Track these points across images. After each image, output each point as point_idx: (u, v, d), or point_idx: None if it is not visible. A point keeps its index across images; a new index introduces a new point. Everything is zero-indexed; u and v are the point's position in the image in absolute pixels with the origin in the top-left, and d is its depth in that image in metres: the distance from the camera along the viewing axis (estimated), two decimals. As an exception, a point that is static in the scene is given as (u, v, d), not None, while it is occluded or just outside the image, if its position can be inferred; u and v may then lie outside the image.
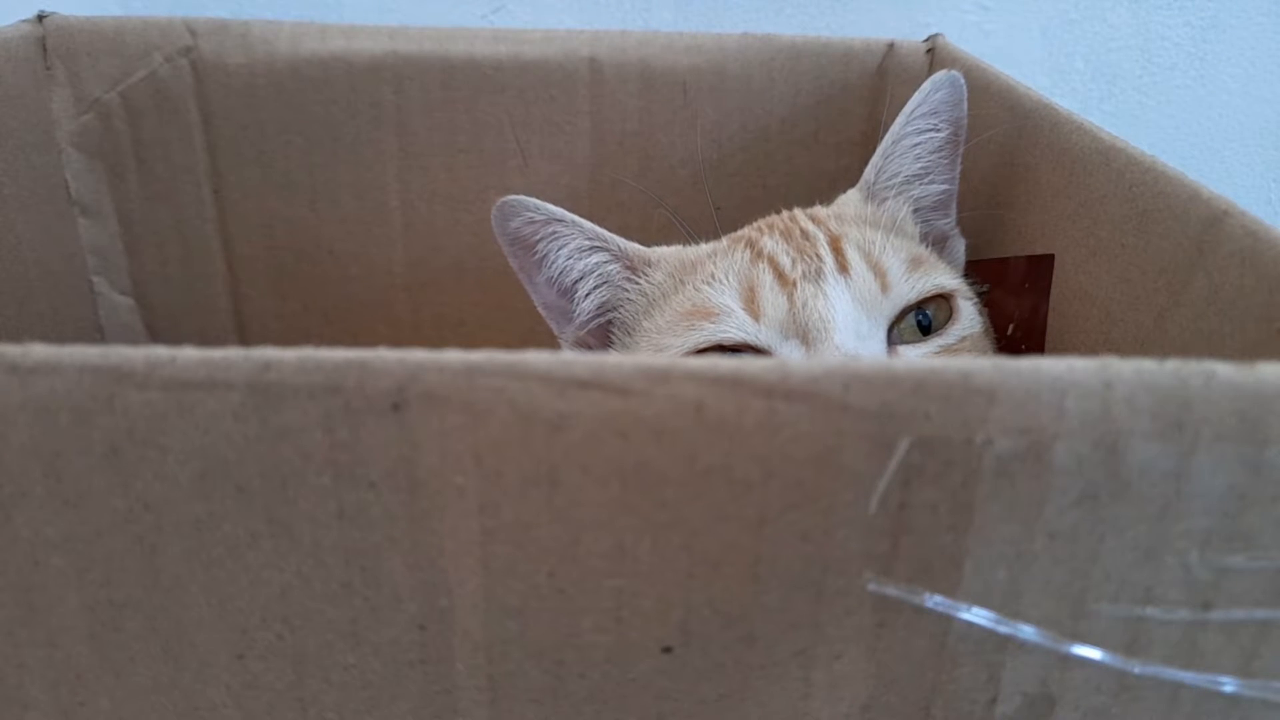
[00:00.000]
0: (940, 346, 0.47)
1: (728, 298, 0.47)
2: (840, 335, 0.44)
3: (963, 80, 0.52)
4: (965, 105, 0.52)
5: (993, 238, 0.55)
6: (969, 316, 0.48)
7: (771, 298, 0.47)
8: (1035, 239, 0.51)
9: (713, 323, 0.47)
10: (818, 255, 0.48)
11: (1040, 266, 0.49)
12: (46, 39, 0.62)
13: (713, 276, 0.49)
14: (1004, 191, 0.55)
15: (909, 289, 0.47)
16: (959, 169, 0.54)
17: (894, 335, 0.47)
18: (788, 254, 0.48)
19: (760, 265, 0.48)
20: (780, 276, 0.47)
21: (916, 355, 0.46)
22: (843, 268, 0.47)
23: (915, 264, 0.48)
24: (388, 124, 0.66)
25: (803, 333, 0.45)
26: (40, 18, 0.63)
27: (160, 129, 0.65)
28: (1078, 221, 0.47)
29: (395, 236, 0.70)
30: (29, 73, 0.62)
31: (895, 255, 0.48)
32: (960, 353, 0.47)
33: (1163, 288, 0.39)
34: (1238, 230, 0.35)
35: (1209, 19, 0.87)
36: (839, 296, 0.46)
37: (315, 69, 0.64)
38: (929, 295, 0.47)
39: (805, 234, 0.50)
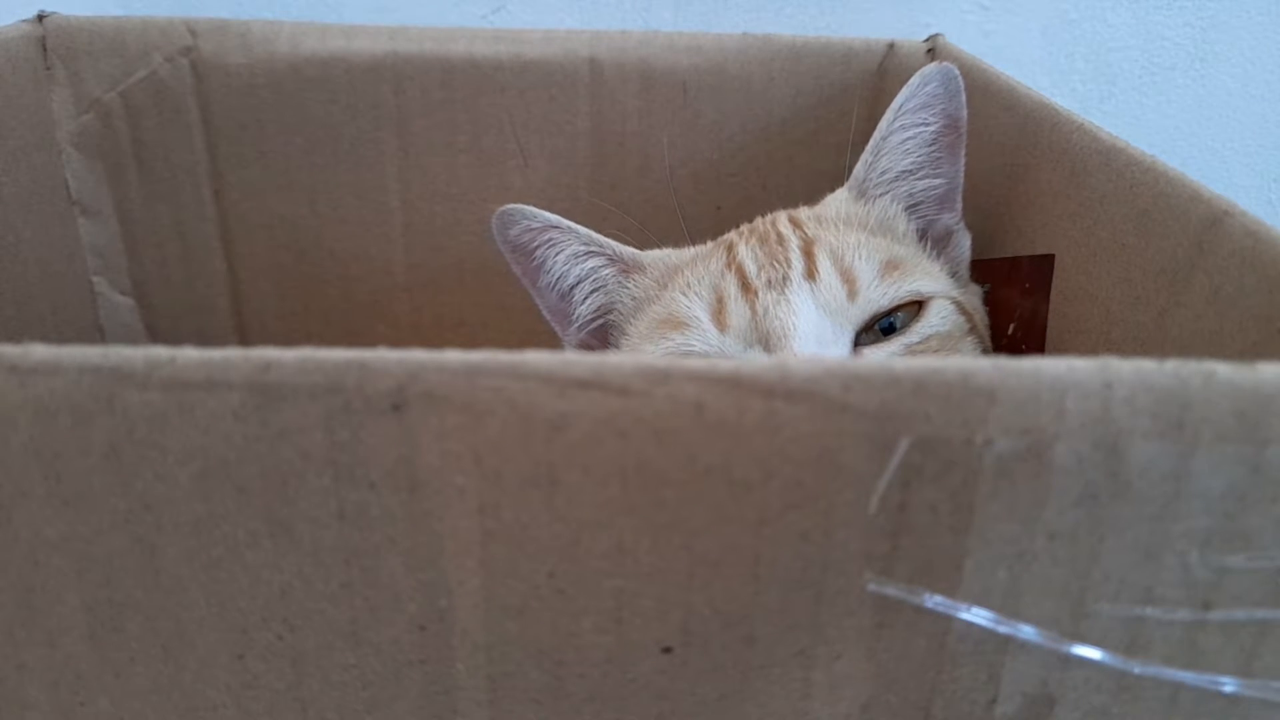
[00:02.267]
0: (904, 346, 0.46)
1: (697, 309, 0.48)
2: (800, 343, 0.44)
3: (956, 72, 0.51)
4: (962, 97, 0.51)
5: (993, 238, 0.55)
6: (939, 316, 0.47)
7: (736, 307, 0.47)
8: (1035, 239, 0.51)
9: (681, 334, 0.47)
10: (786, 261, 0.48)
11: (1040, 266, 0.49)
12: (46, 39, 0.62)
13: (688, 285, 0.50)
14: (1004, 191, 0.55)
15: (879, 295, 0.46)
16: (961, 163, 0.53)
17: (862, 339, 0.46)
18: (756, 261, 0.49)
19: (729, 274, 0.49)
20: (745, 285, 0.48)
21: (880, 357, 0.45)
22: (811, 273, 0.47)
23: (890, 268, 0.47)
24: (388, 124, 0.66)
25: (764, 340, 0.45)
26: (40, 18, 0.63)
27: (160, 129, 0.65)
28: (1078, 221, 0.47)
29: (395, 236, 0.70)
30: (29, 73, 0.62)
31: (869, 260, 0.47)
32: (925, 353, 0.46)
33: (1163, 288, 0.39)
34: (1238, 230, 0.35)
35: (1209, 19, 0.87)
36: (802, 303, 0.46)
37: (315, 69, 0.64)
38: (903, 302, 0.47)
39: (780, 238, 0.50)
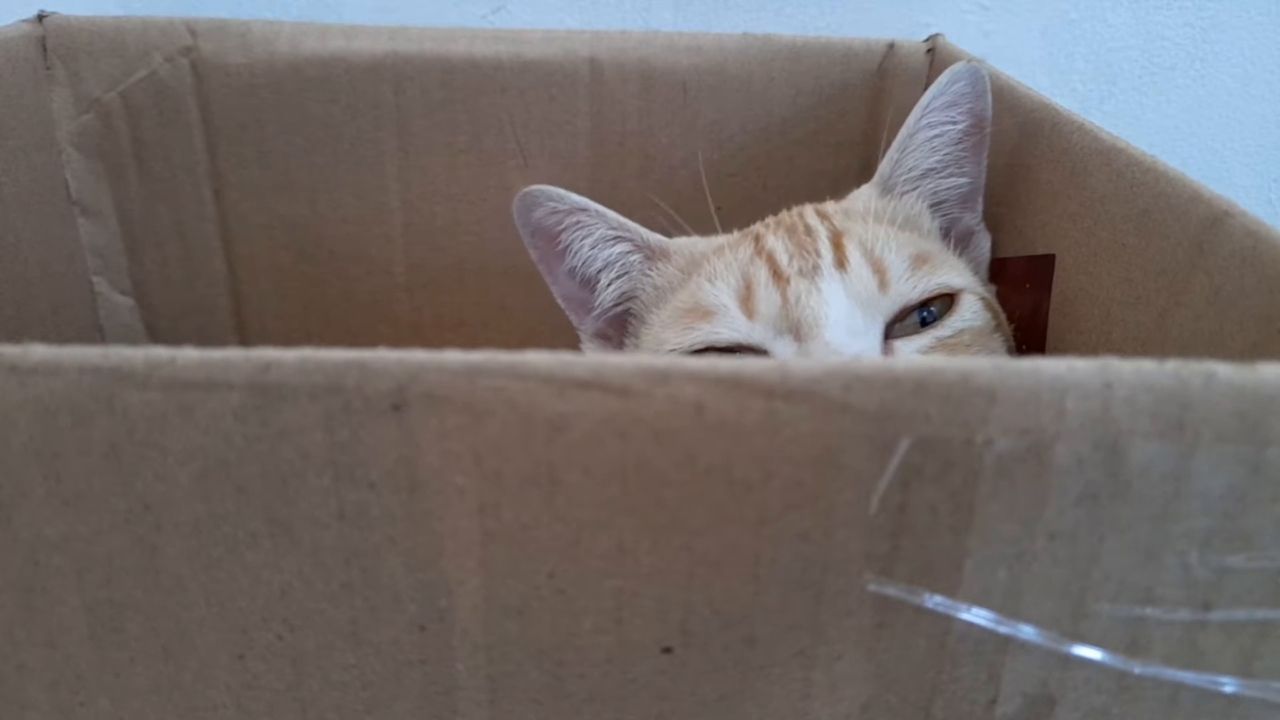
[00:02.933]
0: (936, 339, 0.46)
1: (725, 296, 0.47)
2: (831, 332, 0.44)
3: (984, 71, 0.51)
4: (989, 97, 0.51)
5: (994, 238, 0.55)
6: (971, 310, 0.47)
7: (765, 294, 0.46)
8: (1036, 239, 0.51)
9: (708, 323, 0.47)
10: (816, 251, 0.47)
11: (1041, 266, 0.49)
12: (46, 39, 0.62)
13: (714, 273, 0.49)
14: (1004, 191, 0.55)
15: (909, 288, 0.46)
16: (984, 163, 0.53)
17: (894, 331, 0.46)
18: (787, 250, 0.48)
19: (759, 262, 0.48)
20: (776, 273, 0.47)
21: (912, 349, 0.45)
22: (841, 263, 0.47)
23: (919, 262, 0.47)
24: (388, 124, 0.66)
25: (795, 328, 0.45)
26: (40, 18, 0.63)
27: (160, 129, 0.65)
28: (1078, 221, 0.47)
29: (395, 236, 0.70)
30: (29, 73, 0.62)
31: (899, 252, 0.47)
32: (957, 346, 0.46)
33: (1163, 288, 0.39)
34: (1238, 230, 0.35)
35: (1209, 19, 0.87)
36: (833, 292, 0.45)
37: (315, 69, 0.64)
38: (933, 295, 0.46)
39: (809, 229, 0.50)
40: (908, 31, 0.70)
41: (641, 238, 0.53)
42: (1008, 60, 0.78)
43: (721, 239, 0.53)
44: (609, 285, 0.54)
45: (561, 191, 0.52)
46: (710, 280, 0.49)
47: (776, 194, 0.70)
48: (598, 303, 0.55)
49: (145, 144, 0.65)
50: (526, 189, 0.52)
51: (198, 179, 0.67)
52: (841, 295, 0.46)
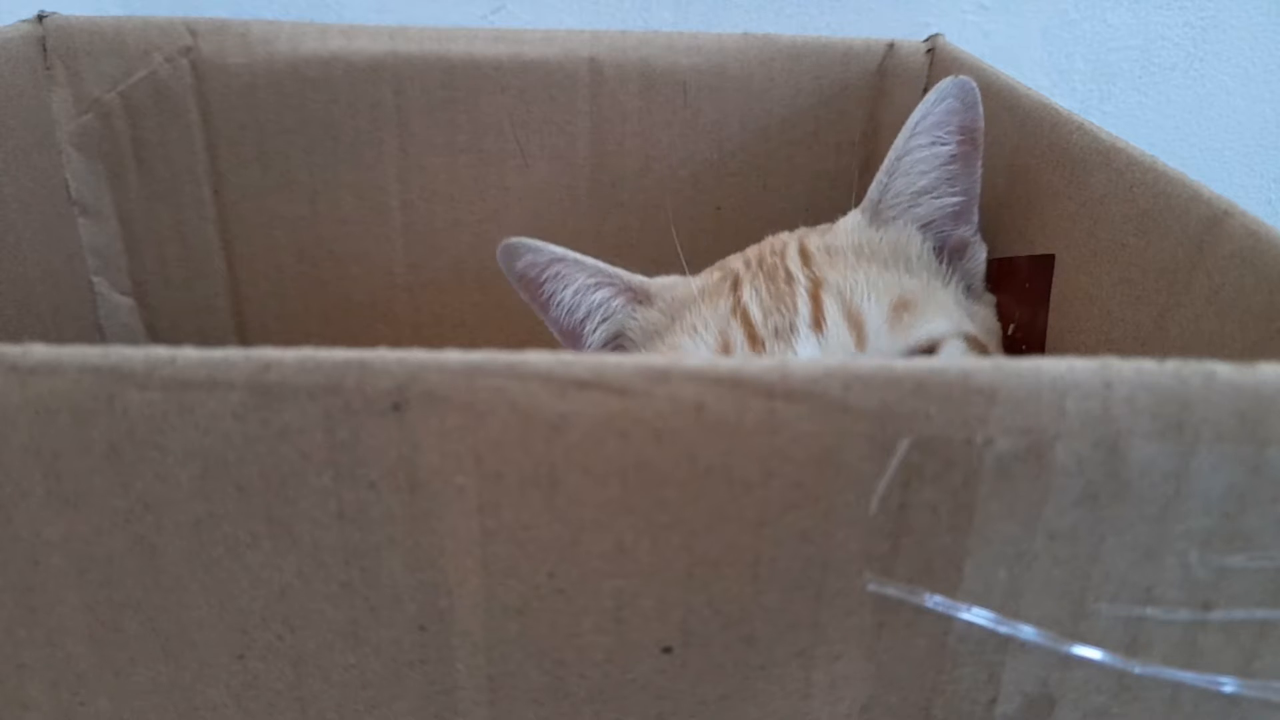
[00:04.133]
0: None
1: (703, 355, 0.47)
2: None
3: (973, 84, 0.50)
4: (979, 109, 0.51)
5: (993, 238, 0.55)
6: (950, 355, 0.46)
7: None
8: (1035, 239, 0.51)
9: None
10: (793, 306, 0.47)
11: (1040, 267, 0.49)
12: (46, 39, 0.62)
13: (694, 329, 0.49)
14: (1004, 191, 0.55)
15: (888, 345, 0.46)
16: (978, 175, 0.52)
17: None
18: (762, 306, 0.48)
19: (734, 322, 0.48)
20: (751, 335, 0.47)
21: None
22: (817, 323, 0.46)
23: (900, 310, 0.46)
24: (388, 124, 0.66)
25: None
26: (40, 18, 0.63)
27: (160, 129, 0.65)
28: (1078, 222, 0.47)
29: (395, 236, 0.70)
30: (29, 73, 0.61)
31: (879, 301, 0.47)
32: None
33: (1163, 288, 0.39)
34: (1238, 230, 0.35)
35: (1209, 19, 0.86)
36: (808, 356, 0.45)
37: (315, 69, 0.64)
38: (914, 349, 0.46)
39: (788, 277, 0.49)
40: (908, 31, 0.70)
41: (623, 281, 0.53)
42: (1008, 60, 0.78)
43: (702, 280, 0.53)
44: (595, 330, 0.55)
45: (539, 243, 0.52)
46: (690, 336, 0.49)
47: (776, 194, 0.70)
48: (588, 345, 0.55)
49: (145, 144, 0.65)
50: (507, 241, 0.52)
51: (198, 179, 0.67)
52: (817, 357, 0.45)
